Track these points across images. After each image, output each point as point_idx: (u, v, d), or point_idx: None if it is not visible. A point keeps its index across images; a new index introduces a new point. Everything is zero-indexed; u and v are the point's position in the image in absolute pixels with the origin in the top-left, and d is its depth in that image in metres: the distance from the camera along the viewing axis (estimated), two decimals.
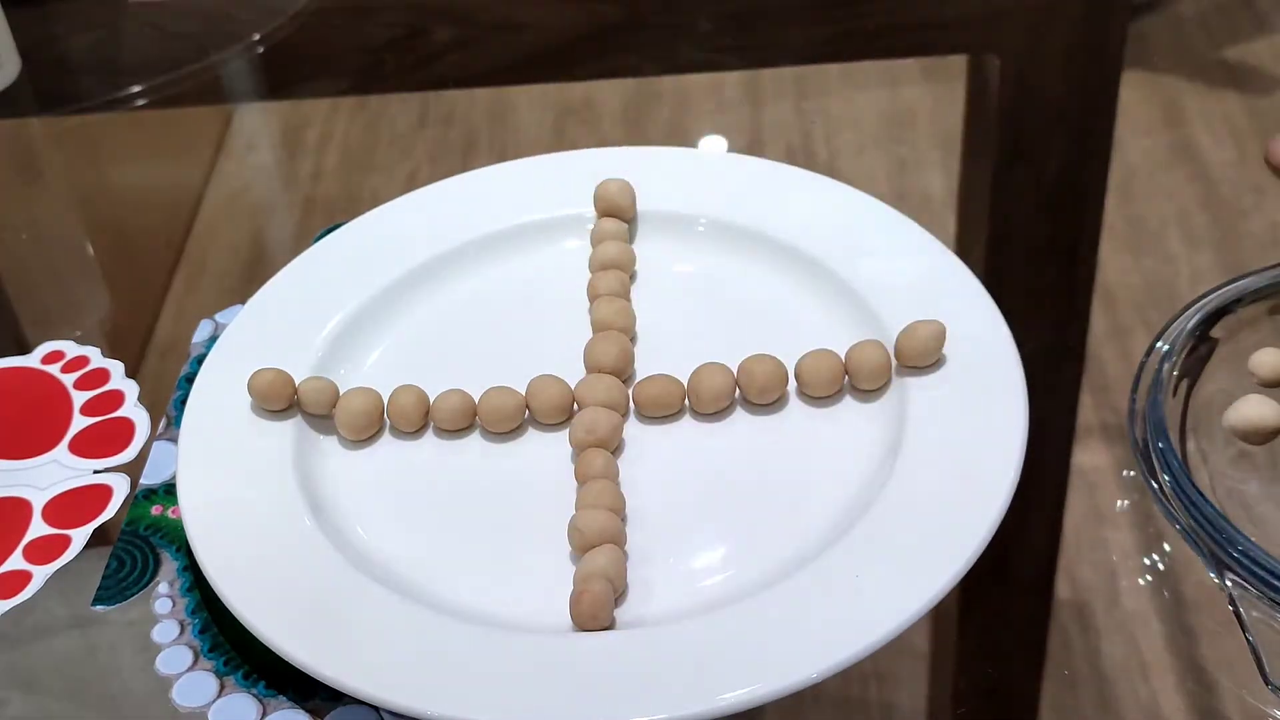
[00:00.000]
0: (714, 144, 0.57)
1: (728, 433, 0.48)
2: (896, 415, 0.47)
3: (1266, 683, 0.41)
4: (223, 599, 0.43)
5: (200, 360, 0.53)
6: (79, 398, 0.55)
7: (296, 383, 0.49)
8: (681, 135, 0.57)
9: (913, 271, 0.52)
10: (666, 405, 0.49)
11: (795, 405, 0.49)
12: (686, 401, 0.49)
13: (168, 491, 0.50)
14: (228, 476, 0.48)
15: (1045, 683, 0.45)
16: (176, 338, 0.59)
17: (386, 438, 0.50)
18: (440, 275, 0.55)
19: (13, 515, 0.50)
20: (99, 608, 0.47)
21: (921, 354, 0.48)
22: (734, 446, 0.48)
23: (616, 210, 0.55)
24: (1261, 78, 0.70)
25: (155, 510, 0.50)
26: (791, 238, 0.54)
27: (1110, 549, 0.48)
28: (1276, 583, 0.41)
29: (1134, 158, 0.65)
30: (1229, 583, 0.42)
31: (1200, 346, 0.49)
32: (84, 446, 0.53)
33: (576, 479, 0.46)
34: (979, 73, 0.72)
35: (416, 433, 0.50)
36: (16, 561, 0.49)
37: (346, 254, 0.56)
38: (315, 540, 0.45)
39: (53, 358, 0.57)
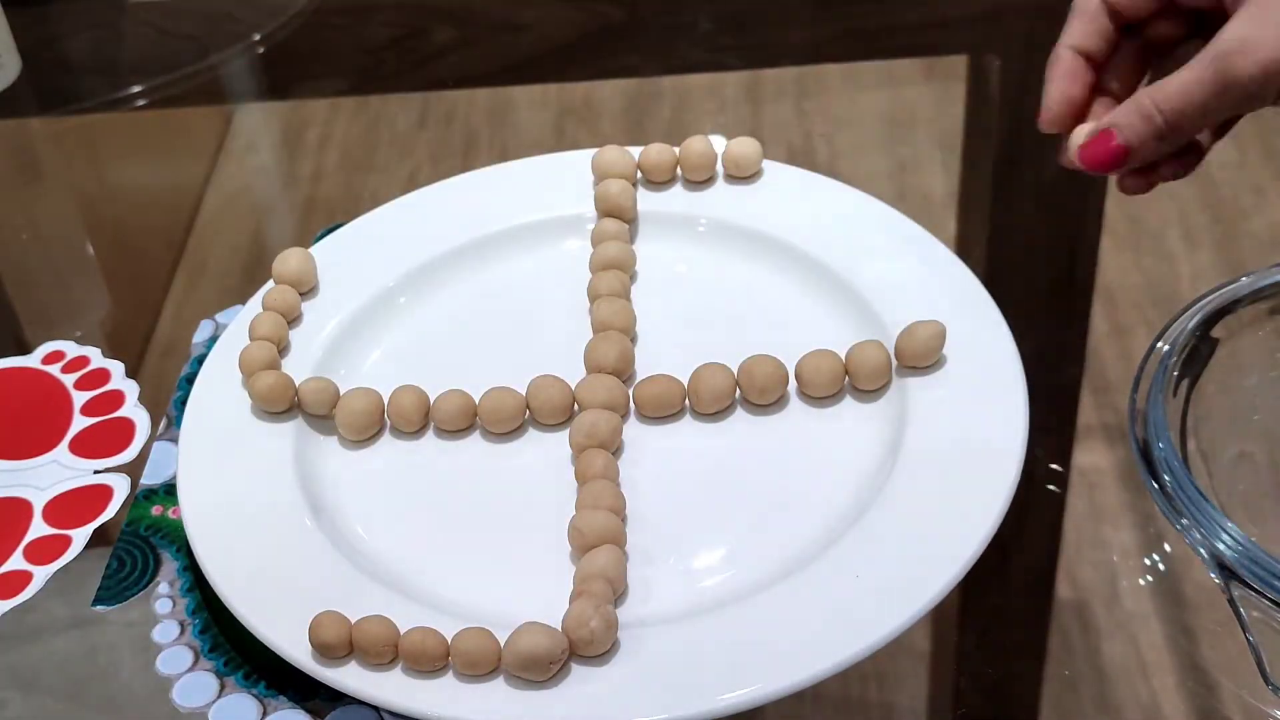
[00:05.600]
0: (714, 144, 0.57)
1: (728, 433, 0.48)
2: (896, 415, 0.47)
3: (1267, 683, 0.41)
4: (223, 599, 0.43)
5: (200, 360, 0.53)
6: (79, 398, 0.55)
7: (297, 384, 0.49)
8: (681, 135, 0.57)
9: (913, 271, 0.52)
10: (667, 405, 0.49)
11: (795, 405, 0.49)
12: (686, 402, 0.49)
13: (168, 491, 0.50)
14: (228, 476, 0.48)
15: (1045, 683, 0.45)
16: (176, 338, 0.59)
17: (386, 438, 0.50)
18: (440, 275, 0.55)
19: (13, 515, 0.50)
20: (99, 608, 0.47)
21: (921, 354, 0.48)
22: (734, 446, 0.48)
23: (617, 210, 0.55)
24: None
25: (155, 510, 0.50)
26: (791, 238, 0.54)
27: (1110, 549, 0.48)
28: (1276, 583, 0.41)
29: None
30: (1229, 583, 0.42)
31: (1200, 346, 0.49)
32: (84, 446, 0.53)
33: (576, 479, 0.46)
34: (979, 73, 0.72)
35: (416, 433, 0.50)
36: (17, 561, 0.49)
37: (346, 254, 0.56)
38: (315, 540, 0.45)
39: (53, 358, 0.57)
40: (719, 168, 0.57)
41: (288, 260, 0.54)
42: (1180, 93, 0.44)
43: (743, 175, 0.57)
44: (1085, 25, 0.48)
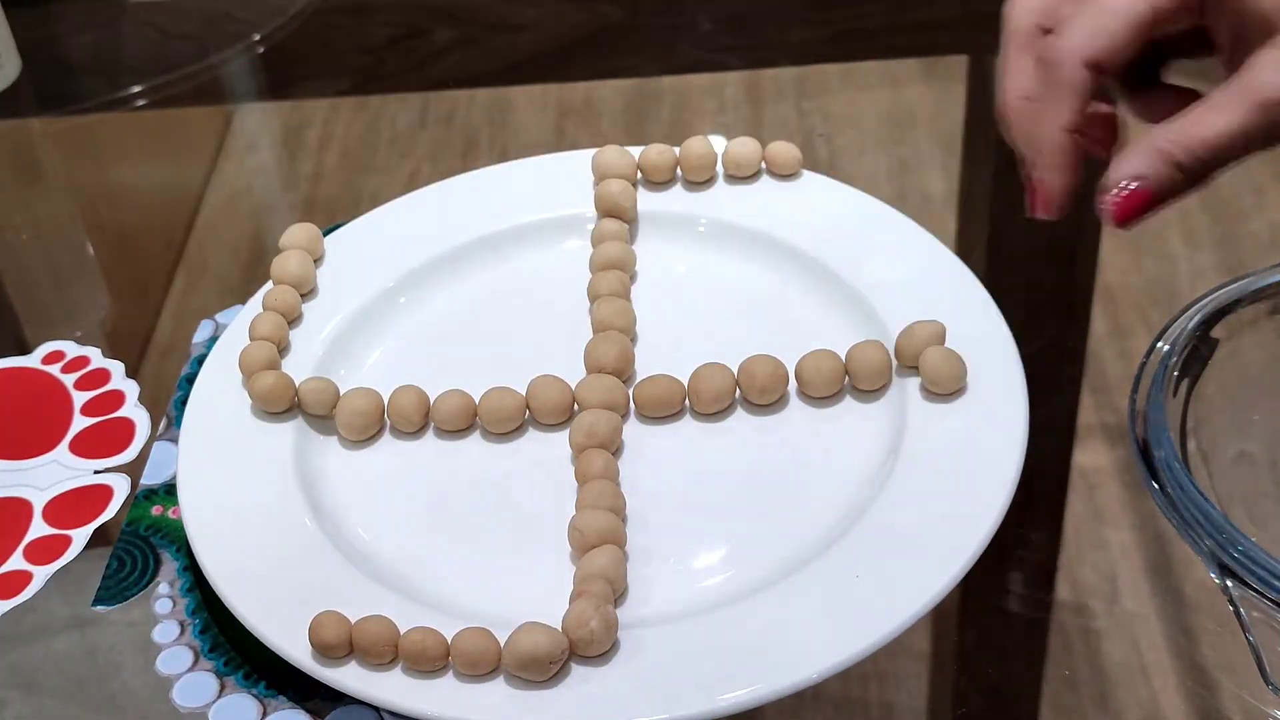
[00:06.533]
0: (714, 144, 0.57)
1: (728, 433, 0.48)
2: (896, 415, 0.47)
3: (1267, 683, 0.41)
4: (223, 599, 0.43)
5: (200, 360, 0.53)
6: (79, 398, 0.55)
7: (297, 384, 0.49)
8: (681, 135, 0.57)
9: (913, 271, 0.52)
10: (667, 405, 0.49)
11: (795, 405, 0.49)
12: (686, 402, 0.49)
13: (168, 491, 0.50)
14: (228, 476, 0.48)
15: (1045, 683, 0.45)
16: (176, 338, 0.59)
17: (386, 438, 0.50)
18: (440, 275, 0.55)
19: (13, 515, 0.50)
20: (99, 608, 0.47)
21: (922, 354, 0.48)
22: (734, 446, 0.48)
23: (617, 210, 0.55)
24: None
25: (155, 510, 0.50)
26: (791, 238, 0.54)
27: (1110, 549, 0.48)
28: (1276, 583, 0.41)
29: None
30: (1229, 583, 0.42)
31: (1200, 346, 0.49)
32: (84, 447, 0.53)
33: (576, 479, 0.46)
34: (979, 73, 0.72)
35: (416, 433, 0.50)
36: (17, 561, 0.49)
37: (346, 254, 0.56)
38: (315, 540, 0.45)
39: (53, 358, 0.57)
40: (719, 168, 0.57)
41: (288, 261, 0.54)
42: (1214, 133, 0.41)
43: (743, 175, 0.57)
44: (1076, 100, 0.43)
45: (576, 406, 0.49)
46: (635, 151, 0.58)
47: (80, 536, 0.50)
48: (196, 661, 0.45)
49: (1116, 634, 0.45)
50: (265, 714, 0.43)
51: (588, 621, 0.40)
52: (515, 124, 0.73)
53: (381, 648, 0.40)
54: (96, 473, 0.52)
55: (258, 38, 0.78)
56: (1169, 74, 0.45)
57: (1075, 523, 0.49)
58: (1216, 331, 0.49)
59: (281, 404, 0.49)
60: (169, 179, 0.72)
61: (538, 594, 0.43)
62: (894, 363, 0.48)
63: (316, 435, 0.49)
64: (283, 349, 0.52)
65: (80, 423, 0.54)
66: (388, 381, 0.50)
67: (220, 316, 0.58)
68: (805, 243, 0.54)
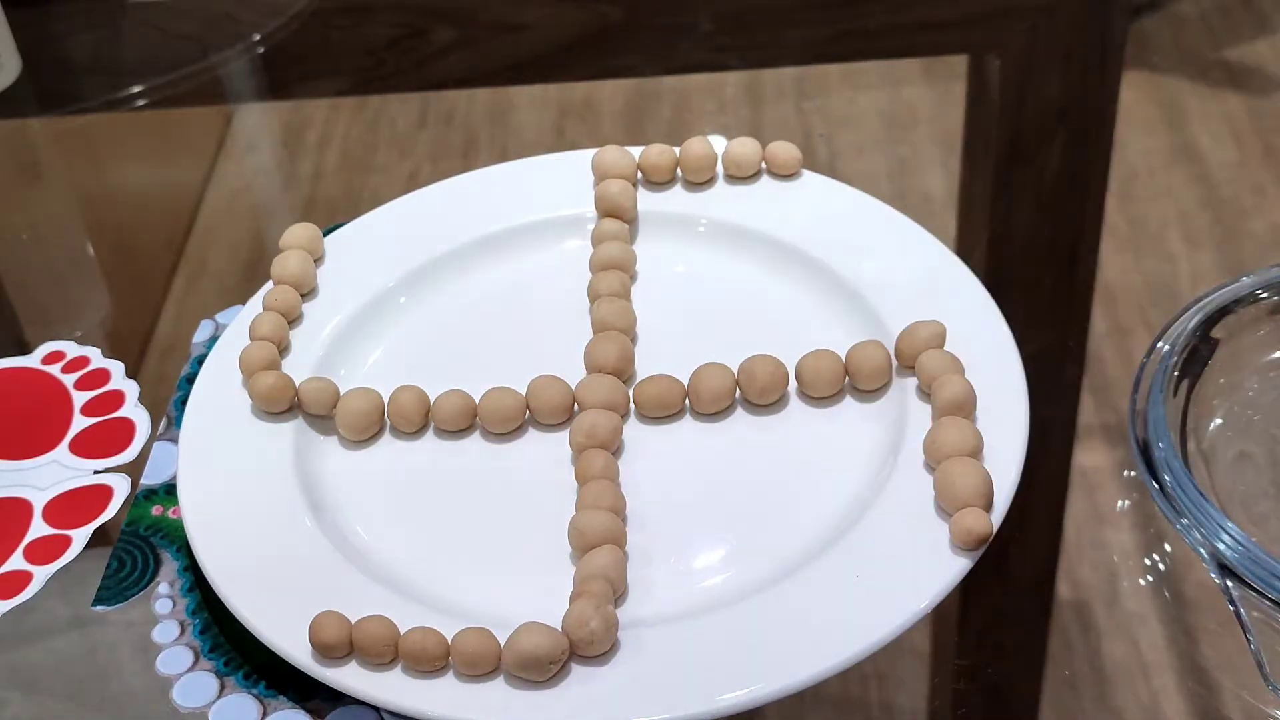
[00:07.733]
0: (714, 144, 0.57)
1: (728, 433, 0.48)
2: (896, 415, 0.47)
3: (1266, 683, 0.41)
4: (223, 599, 0.43)
5: (200, 360, 0.53)
6: (79, 398, 0.55)
7: (297, 384, 0.49)
8: (681, 135, 0.57)
9: (913, 271, 0.52)
10: (667, 405, 0.49)
11: (795, 405, 0.49)
12: (687, 402, 0.49)
13: (168, 492, 0.50)
14: (228, 477, 0.48)
15: (1045, 683, 0.45)
16: (176, 338, 0.59)
17: (386, 438, 0.50)
18: (440, 275, 0.55)
19: (13, 515, 0.50)
20: (99, 608, 0.47)
21: (919, 357, 0.48)
22: (734, 446, 0.48)
23: (617, 210, 0.56)
24: (1261, 78, 0.70)
25: (156, 510, 0.50)
26: (791, 238, 0.54)
27: (1110, 549, 0.48)
28: (1276, 583, 0.41)
29: (1134, 158, 0.65)
30: (1229, 583, 0.42)
31: (1200, 346, 0.49)
32: (84, 447, 0.53)
33: (576, 480, 0.46)
34: (979, 73, 0.72)
35: (416, 433, 0.50)
36: (17, 562, 0.49)
37: (346, 254, 0.56)
38: (315, 540, 0.45)
39: (53, 358, 0.57)
40: (719, 168, 0.57)
41: (288, 261, 0.54)
42: None
43: (743, 175, 0.57)
44: None
45: (576, 406, 0.49)
46: (635, 152, 0.58)
47: (80, 536, 0.50)
48: (196, 661, 0.45)
49: (1116, 634, 0.45)
50: (265, 714, 0.43)
51: (588, 621, 0.40)
52: (515, 124, 0.73)
53: (381, 648, 0.40)
54: (96, 473, 0.52)
55: (258, 38, 0.78)
56: None
57: (1075, 523, 0.49)
58: (1216, 331, 0.49)
59: (281, 404, 0.49)
60: (169, 179, 0.72)
61: (538, 594, 0.43)
62: (894, 363, 0.48)
63: (316, 435, 0.49)
64: (283, 349, 0.52)
65: (80, 423, 0.54)
66: (388, 381, 0.50)
67: (220, 316, 0.58)
68: (805, 243, 0.54)
